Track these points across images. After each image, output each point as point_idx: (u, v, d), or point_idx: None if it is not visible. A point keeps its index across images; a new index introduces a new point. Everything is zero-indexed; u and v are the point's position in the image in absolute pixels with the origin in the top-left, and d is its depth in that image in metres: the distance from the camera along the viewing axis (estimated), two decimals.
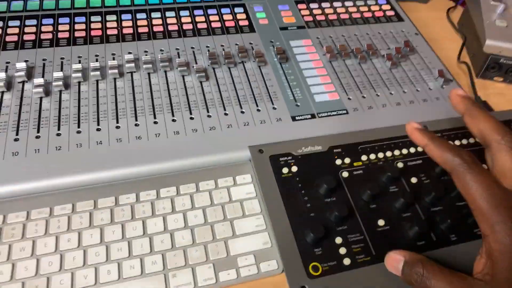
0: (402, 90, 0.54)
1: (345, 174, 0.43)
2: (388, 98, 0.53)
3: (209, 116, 0.48)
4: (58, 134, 0.44)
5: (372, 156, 0.45)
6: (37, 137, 0.43)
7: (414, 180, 0.43)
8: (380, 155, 0.45)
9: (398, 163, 0.44)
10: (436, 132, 0.47)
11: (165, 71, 0.52)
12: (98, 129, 0.45)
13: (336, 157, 0.44)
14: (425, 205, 0.41)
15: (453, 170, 0.32)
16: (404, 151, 0.45)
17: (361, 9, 0.66)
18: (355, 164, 0.44)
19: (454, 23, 0.75)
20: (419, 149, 0.46)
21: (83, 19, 0.57)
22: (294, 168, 0.43)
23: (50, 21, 0.56)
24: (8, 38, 0.53)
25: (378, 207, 0.41)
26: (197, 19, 0.59)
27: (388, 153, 0.45)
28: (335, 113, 0.50)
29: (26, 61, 0.50)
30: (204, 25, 0.59)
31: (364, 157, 0.44)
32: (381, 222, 0.40)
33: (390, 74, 0.56)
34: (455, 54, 0.66)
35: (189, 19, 0.59)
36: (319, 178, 0.41)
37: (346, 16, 0.64)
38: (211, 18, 0.60)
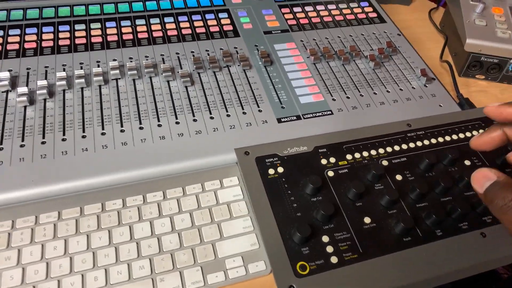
0: (386, 90, 0.55)
1: (330, 173, 0.43)
2: (372, 98, 0.53)
3: (195, 120, 0.48)
4: (43, 142, 0.44)
5: (357, 155, 0.45)
6: (22, 145, 0.43)
7: (399, 177, 0.44)
8: (365, 153, 0.45)
9: (383, 161, 0.45)
10: (419, 130, 0.48)
11: (150, 77, 0.52)
12: (83, 136, 0.45)
13: (321, 157, 0.44)
14: (410, 201, 0.42)
15: None
16: (389, 149, 0.46)
17: (344, 11, 0.67)
18: (340, 163, 0.44)
19: (436, 24, 0.76)
20: (404, 146, 0.46)
21: (67, 27, 0.57)
22: (280, 169, 0.43)
23: (34, 30, 0.56)
24: None
25: (364, 205, 0.41)
26: (182, 25, 0.60)
27: (373, 152, 0.46)
28: (320, 114, 0.51)
29: (9, 70, 0.50)
30: (189, 31, 0.59)
31: (349, 156, 0.45)
32: (367, 220, 0.40)
33: (374, 74, 0.57)
34: (438, 54, 0.68)
35: (173, 25, 0.60)
36: (305, 178, 0.41)
37: (329, 19, 0.65)
38: (196, 24, 0.60)
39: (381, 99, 0.53)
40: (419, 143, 0.47)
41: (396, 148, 0.46)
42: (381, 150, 0.46)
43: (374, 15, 0.67)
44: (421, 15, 0.80)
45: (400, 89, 0.55)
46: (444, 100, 0.55)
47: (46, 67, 0.52)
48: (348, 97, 0.53)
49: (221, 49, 0.57)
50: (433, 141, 0.47)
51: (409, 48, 0.62)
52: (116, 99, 0.49)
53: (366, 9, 0.68)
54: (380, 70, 0.58)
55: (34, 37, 0.55)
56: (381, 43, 0.62)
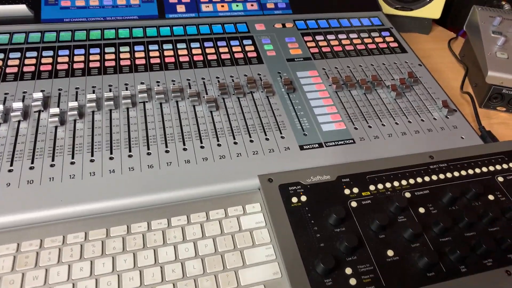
0: (407, 120, 0.55)
1: (353, 204, 0.43)
2: (394, 127, 0.54)
3: (219, 145, 0.49)
4: (72, 163, 0.45)
5: (380, 186, 0.45)
6: (52, 165, 0.44)
7: (422, 210, 0.44)
8: (388, 185, 0.45)
9: (406, 193, 0.45)
10: (442, 162, 0.48)
11: (177, 101, 0.53)
12: (111, 158, 0.46)
13: (344, 186, 0.45)
14: (434, 235, 0.42)
15: None
16: (411, 181, 0.46)
17: (366, 40, 0.68)
18: (363, 194, 0.44)
19: (455, 54, 0.77)
20: (426, 179, 0.47)
21: (97, 50, 0.59)
22: (303, 198, 0.43)
23: (66, 52, 0.58)
24: (25, 69, 0.55)
25: (387, 238, 0.41)
26: (207, 50, 0.62)
27: (396, 183, 0.46)
28: (342, 142, 0.51)
29: (42, 91, 0.52)
30: (214, 57, 0.61)
31: (372, 187, 0.45)
32: (390, 253, 0.40)
33: (395, 104, 0.57)
34: (458, 84, 0.68)
35: (199, 51, 0.61)
36: (328, 208, 0.42)
37: (351, 47, 0.66)
38: (221, 50, 0.62)
39: (402, 129, 0.54)
40: (441, 176, 0.47)
41: (419, 180, 0.46)
42: (403, 182, 0.46)
43: (395, 44, 0.68)
44: (441, 44, 0.81)
45: (422, 120, 0.56)
46: (466, 132, 0.55)
47: (76, 88, 0.53)
48: (370, 126, 0.54)
49: (245, 75, 0.58)
50: (456, 174, 0.47)
51: (430, 79, 0.63)
52: (143, 122, 0.50)
53: (388, 39, 0.69)
54: (402, 100, 0.58)
55: (66, 59, 0.57)
56: (402, 73, 0.63)
